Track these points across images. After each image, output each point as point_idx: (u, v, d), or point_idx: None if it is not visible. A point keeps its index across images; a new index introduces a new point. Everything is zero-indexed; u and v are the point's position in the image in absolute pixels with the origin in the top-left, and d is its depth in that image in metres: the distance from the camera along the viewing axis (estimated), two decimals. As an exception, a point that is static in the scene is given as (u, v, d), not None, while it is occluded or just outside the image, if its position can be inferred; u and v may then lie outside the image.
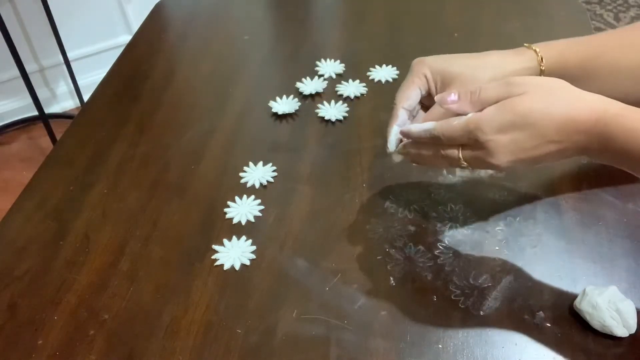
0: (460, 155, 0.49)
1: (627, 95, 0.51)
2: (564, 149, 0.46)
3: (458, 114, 0.49)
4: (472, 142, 0.47)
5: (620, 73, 0.55)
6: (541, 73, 0.56)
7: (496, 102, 0.47)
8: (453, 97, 0.49)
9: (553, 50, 0.56)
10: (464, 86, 0.52)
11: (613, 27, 2.18)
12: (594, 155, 0.47)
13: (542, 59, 0.55)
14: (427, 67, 0.56)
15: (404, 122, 0.56)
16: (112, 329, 0.52)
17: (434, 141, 0.50)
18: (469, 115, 0.48)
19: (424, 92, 0.57)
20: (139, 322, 0.52)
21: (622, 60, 0.55)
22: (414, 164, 0.55)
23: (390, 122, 0.55)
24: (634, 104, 0.46)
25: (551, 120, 0.45)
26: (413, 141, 0.52)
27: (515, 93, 0.46)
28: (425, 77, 0.56)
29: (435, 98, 0.51)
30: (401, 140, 0.55)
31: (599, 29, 2.16)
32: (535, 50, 0.56)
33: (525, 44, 0.57)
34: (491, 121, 0.46)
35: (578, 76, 0.55)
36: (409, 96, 0.56)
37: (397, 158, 0.56)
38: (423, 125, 0.50)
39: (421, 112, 0.59)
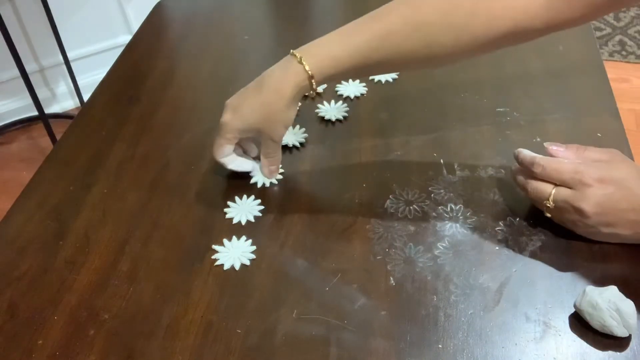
0: (553, 191, 0.53)
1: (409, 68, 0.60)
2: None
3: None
4: (572, 183, 0.52)
5: (402, 56, 0.57)
6: (310, 81, 0.57)
7: (597, 161, 0.54)
8: (560, 148, 0.56)
9: (325, 59, 0.57)
10: (272, 136, 0.61)
11: (613, 27, 2.18)
12: None
13: (312, 76, 0.57)
14: (232, 131, 0.61)
15: (233, 161, 0.64)
16: (112, 329, 0.52)
17: (530, 172, 0.55)
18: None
19: (234, 144, 0.63)
20: (139, 322, 0.52)
21: (403, 44, 0.56)
22: (414, 165, 0.56)
23: (229, 167, 0.64)
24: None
25: None
26: (518, 166, 0.57)
27: (617, 160, 0.54)
28: (235, 137, 0.62)
29: (545, 144, 0.57)
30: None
31: (598, 29, 2.16)
32: (306, 70, 0.57)
33: (293, 53, 0.58)
34: (598, 169, 0.51)
35: (358, 73, 0.59)
36: (223, 152, 0.63)
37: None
38: (532, 153, 0.55)
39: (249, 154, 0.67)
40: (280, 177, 0.65)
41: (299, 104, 0.62)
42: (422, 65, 0.61)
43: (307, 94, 0.59)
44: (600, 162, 0.53)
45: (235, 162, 0.64)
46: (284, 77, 0.58)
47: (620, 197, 0.51)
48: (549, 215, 0.55)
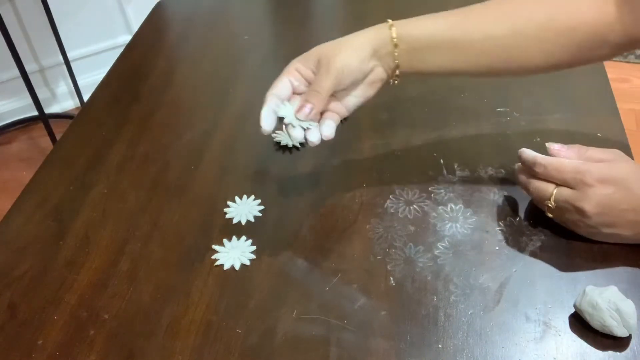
0: (554, 191, 0.53)
1: (481, 67, 0.57)
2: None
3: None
4: (573, 183, 0.52)
5: (479, 42, 0.57)
6: (392, 41, 0.57)
7: (599, 161, 0.53)
8: (561, 148, 0.56)
9: (411, 23, 0.58)
10: (329, 61, 0.55)
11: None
12: None
13: (393, 30, 0.57)
14: (297, 61, 0.58)
15: (277, 105, 0.57)
16: (112, 329, 0.52)
17: (532, 171, 0.55)
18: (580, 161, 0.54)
19: (296, 83, 0.58)
20: (139, 322, 0.52)
21: (480, 30, 0.57)
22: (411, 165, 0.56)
23: (263, 107, 0.56)
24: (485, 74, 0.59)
25: None
26: (521, 165, 0.57)
27: (618, 160, 0.53)
28: (297, 69, 0.58)
29: (547, 144, 0.56)
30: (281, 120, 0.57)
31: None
32: (389, 24, 0.58)
33: (388, 20, 0.59)
34: (599, 170, 0.51)
35: (437, 46, 0.57)
36: (277, 85, 0.57)
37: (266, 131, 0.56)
38: (535, 153, 0.55)
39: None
40: (315, 124, 0.58)
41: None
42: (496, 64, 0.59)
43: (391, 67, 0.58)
44: (601, 162, 0.53)
45: (275, 102, 0.57)
46: (366, 29, 0.59)
47: (621, 198, 0.51)
48: (550, 215, 0.55)
